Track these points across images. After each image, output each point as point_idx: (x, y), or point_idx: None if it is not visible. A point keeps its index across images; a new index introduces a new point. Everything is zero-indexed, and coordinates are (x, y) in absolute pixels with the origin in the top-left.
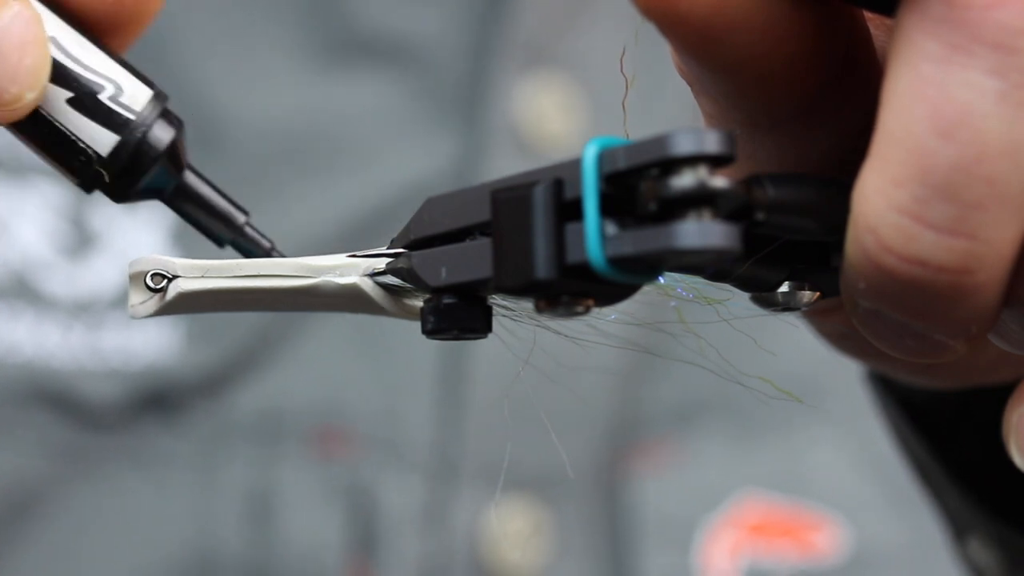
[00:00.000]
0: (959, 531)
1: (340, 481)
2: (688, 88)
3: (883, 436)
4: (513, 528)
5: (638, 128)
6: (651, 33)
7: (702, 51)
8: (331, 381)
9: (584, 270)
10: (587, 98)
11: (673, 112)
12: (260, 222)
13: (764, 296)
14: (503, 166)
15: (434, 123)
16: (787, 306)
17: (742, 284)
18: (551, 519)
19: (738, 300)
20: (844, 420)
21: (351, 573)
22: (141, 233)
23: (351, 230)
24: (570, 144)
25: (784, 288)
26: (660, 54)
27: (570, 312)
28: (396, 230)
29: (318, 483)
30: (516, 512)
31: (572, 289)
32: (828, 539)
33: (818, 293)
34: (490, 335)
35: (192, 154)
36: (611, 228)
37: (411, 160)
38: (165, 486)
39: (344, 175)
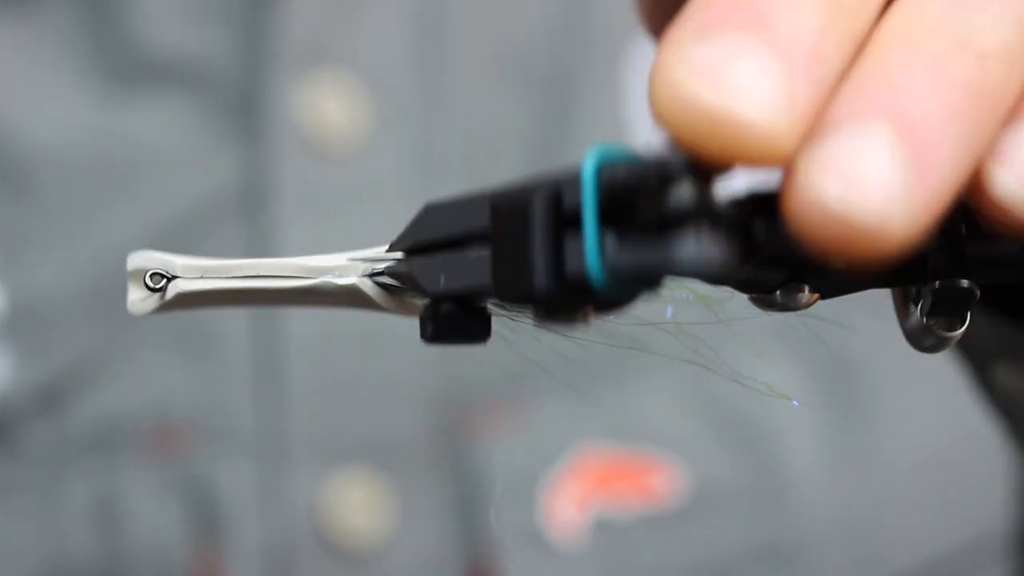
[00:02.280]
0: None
1: (178, 477)
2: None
3: (715, 378)
4: (354, 498)
5: (429, 118)
6: (430, 22)
7: None
8: (158, 383)
9: (583, 281)
10: (371, 93)
11: (459, 106)
12: (62, 255)
13: (763, 297)
14: (293, 171)
15: (222, 138)
16: (786, 307)
17: (741, 286)
18: (392, 487)
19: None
20: (675, 365)
21: (198, 564)
22: None
23: (171, 235)
24: (359, 142)
25: (783, 289)
26: (441, 42)
27: (569, 321)
28: (195, 245)
29: (157, 483)
30: (355, 482)
31: (571, 299)
32: (668, 482)
33: (817, 295)
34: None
35: None
36: (610, 241)
37: (202, 177)
38: (9, 512)
39: (139, 200)
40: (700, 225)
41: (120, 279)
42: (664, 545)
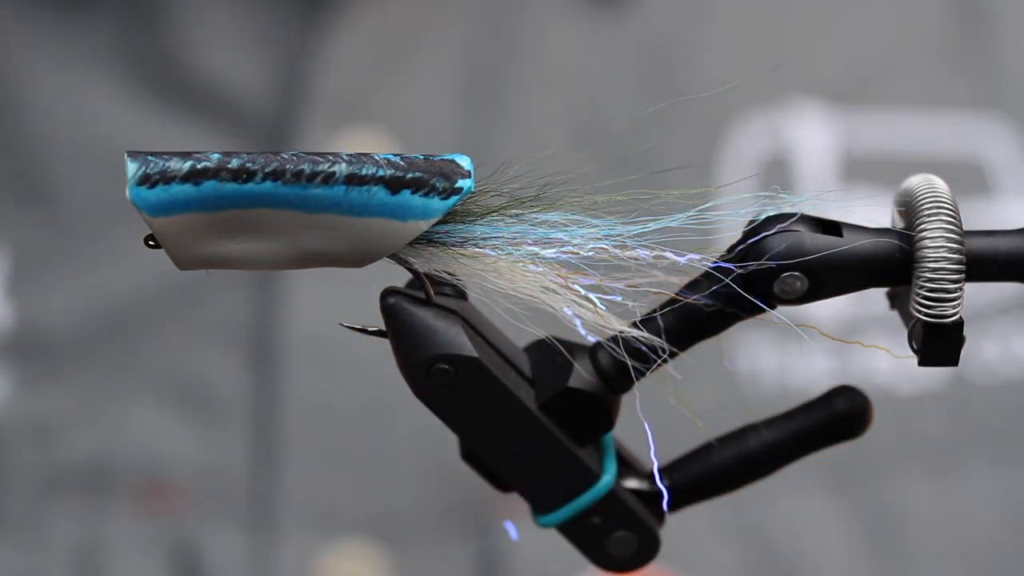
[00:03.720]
0: None
1: (165, 535)
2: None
3: (755, 504)
4: (348, 573)
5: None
6: (473, 83)
7: None
8: (154, 436)
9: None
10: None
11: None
12: (78, 282)
13: None
14: None
15: None
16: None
17: None
18: (393, 563)
19: None
20: None
21: None
22: None
23: (185, 283)
24: None
25: None
26: (485, 106)
27: None
28: (211, 293)
29: (144, 538)
30: (352, 556)
31: None
32: None
33: None
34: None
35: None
36: None
37: None
38: None
39: None
40: None
41: (136, 322)
42: None
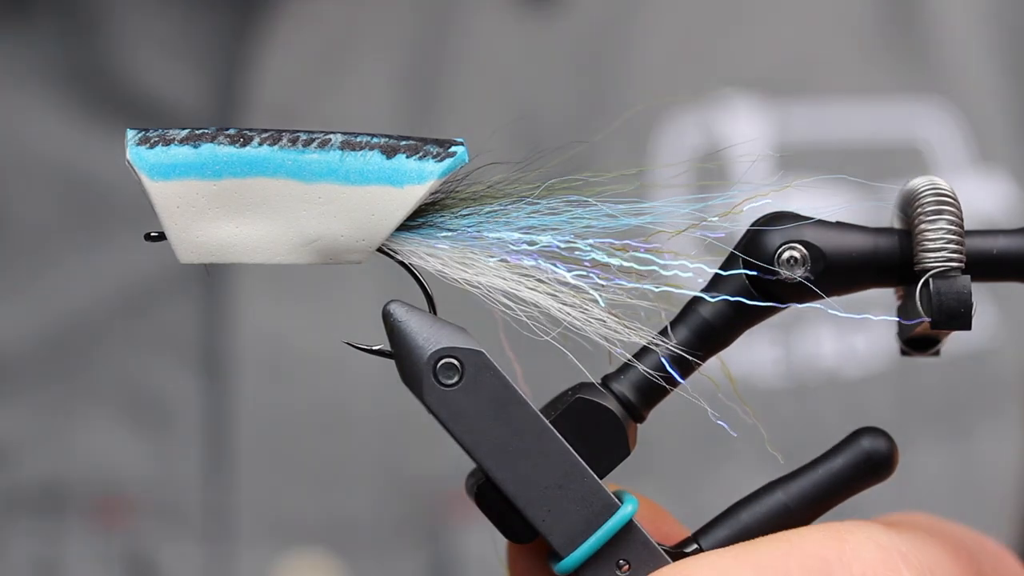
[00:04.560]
0: None
1: (122, 550)
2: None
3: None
4: None
5: None
6: (409, 86)
7: None
8: (108, 452)
9: None
10: None
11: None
12: (25, 301)
13: None
14: None
15: None
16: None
17: None
18: (348, 571)
19: None
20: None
21: None
22: None
23: (132, 297)
24: None
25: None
26: (423, 108)
27: None
28: (155, 313)
29: (101, 553)
30: (308, 566)
31: None
32: None
33: None
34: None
35: None
36: None
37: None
38: None
39: (107, 253)
40: None
41: (86, 338)
42: None
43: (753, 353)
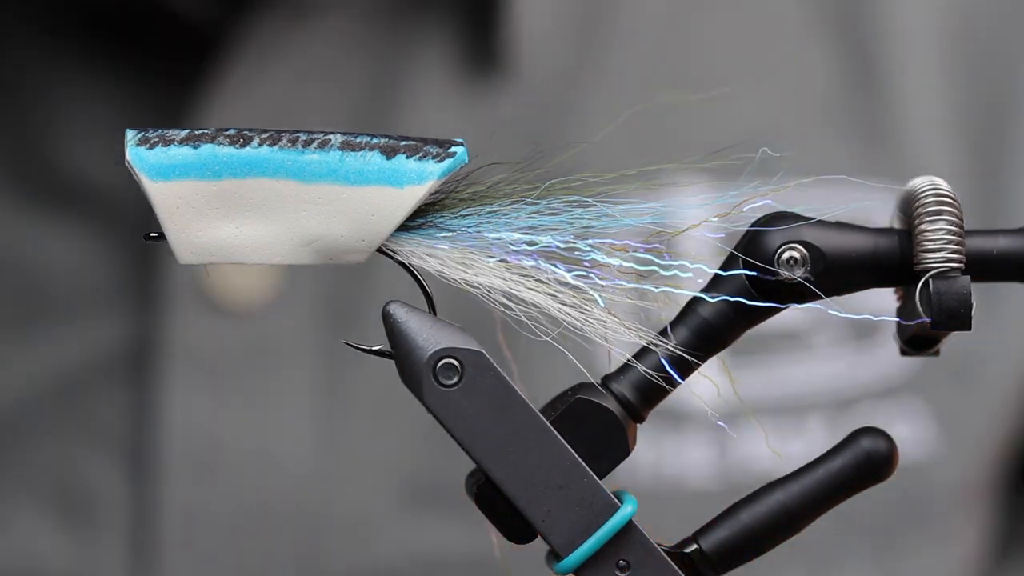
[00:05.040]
0: None
1: None
2: None
3: None
4: None
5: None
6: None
7: None
8: (31, 542)
9: None
10: None
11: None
12: None
13: None
14: (188, 327)
15: (121, 284)
16: None
17: None
18: None
19: None
20: None
21: None
22: None
23: (61, 388)
24: (263, 297)
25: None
26: None
27: None
28: (86, 405)
29: None
30: None
31: None
32: None
33: None
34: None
35: None
36: None
37: (99, 326)
38: None
39: (39, 341)
40: None
41: (13, 427)
42: None
43: (687, 454)
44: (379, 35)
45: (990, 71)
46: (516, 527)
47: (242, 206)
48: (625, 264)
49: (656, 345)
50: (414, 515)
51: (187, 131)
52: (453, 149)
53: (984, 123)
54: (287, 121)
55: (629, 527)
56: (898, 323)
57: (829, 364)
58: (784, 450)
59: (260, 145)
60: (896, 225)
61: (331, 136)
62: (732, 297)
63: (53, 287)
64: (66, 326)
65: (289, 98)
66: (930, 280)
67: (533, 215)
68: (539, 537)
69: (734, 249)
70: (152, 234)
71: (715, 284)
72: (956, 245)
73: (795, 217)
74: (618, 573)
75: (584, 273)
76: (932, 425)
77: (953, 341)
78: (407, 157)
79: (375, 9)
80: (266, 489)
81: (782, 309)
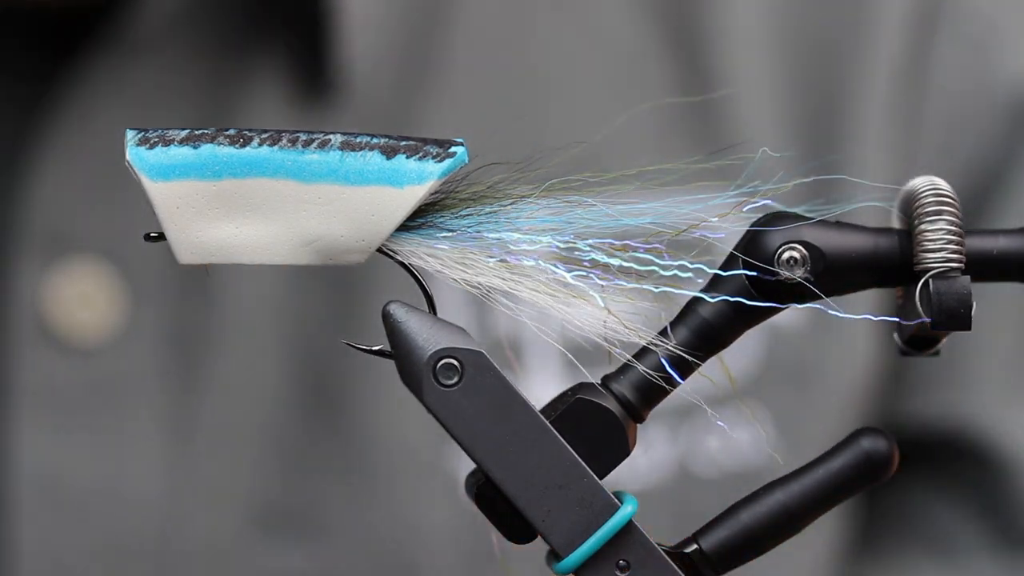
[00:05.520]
0: None
1: None
2: None
3: None
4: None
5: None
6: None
7: None
8: None
9: None
10: (126, 282)
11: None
12: None
13: None
14: (33, 365)
15: None
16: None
17: None
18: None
19: None
20: None
21: None
22: None
23: None
24: (109, 333)
25: None
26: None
27: None
28: None
29: None
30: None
31: None
32: None
33: None
34: None
35: None
36: None
37: None
38: None
39: None
40: None
41: None
42: None
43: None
44: (212, 67)
45: (820, 72)
46: (516, 527)
47: (242, 206)
48: (625, 264)
49: (656, 345)
50: (269, 542)
51: (187, 131)
52: (453, 149)
53: (816, 124)
54: (115, 170)
55: (629, 527)
56: (898, 323)
57: None
58: (626, 463)
59: (260, 145)
60: (896, 225)
61: (331, 136)
62: (732, 297)
63: None
64: None
65: (116, 148)
66: (930, 280)
67: (533, 215)
68: (539, 537)
69: (734, 249)
70: (152, 234)
71: (715, 284)
72: (956, 245)
73: (795, 217)
74: (618, 573)
75: (584, 273)
76: (771, 430)
77: (793, 347)
78: (407, 157)
79: (205, 43)
80: (118, 525)
81: (782, 309)
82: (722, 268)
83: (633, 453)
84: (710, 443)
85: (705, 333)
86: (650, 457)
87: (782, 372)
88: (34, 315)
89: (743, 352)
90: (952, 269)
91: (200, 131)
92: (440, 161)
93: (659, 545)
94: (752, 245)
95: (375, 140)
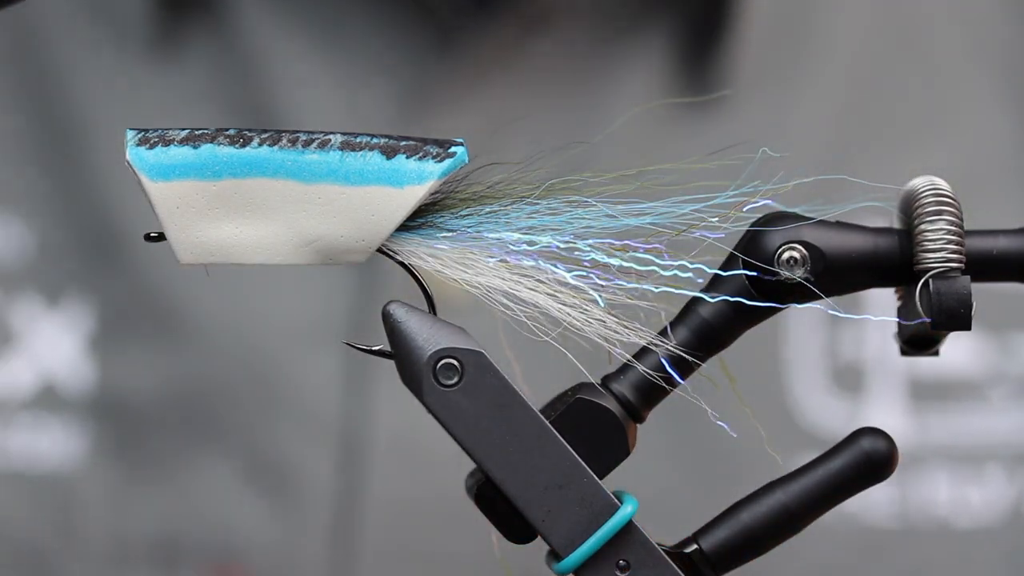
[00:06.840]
0: None
1: None
2: None
3: None
4: None
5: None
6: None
7: None
8: (227, 513)
9: None
10: None
11: None
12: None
13: None
14: None
15: None
16: None
17: None
18: None
19: None
20: None
21: None
22: (60, 336)
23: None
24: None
25: None
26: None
27: None
28: None
29: None
30: None
31: None
32: None
33: None
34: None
35: None
36: None
37: None
38: None
39: None
40: None
41: (218, 394)
42: None
43: (869, 490)
44: (600, 42)
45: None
46: (516, 527)
47: (242, 206)
48: (625, 264)
49: (656, 345)
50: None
51: (187, 131)
52: (453, 149)
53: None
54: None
55: (629, 527)
56: (898, 323)
57: (1006, 417)
58: (962, 496)
59: (260, 145)
60: (896, 225)
61: (331, 136)
62: (732, 297)
63: None
64: None
65: (505, 109)
66: (930, 280)
67: (533, 215)
68: (539, 537)
69: (734, 249)
70: (152, 234)
71: (715, 284)
72: (956, 245)
73: (795, 217)
74: (618, 573)
75: (584, 273)
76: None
77: None
78: (407, 157)
79: (595, 22)
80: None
81: (782, 309)
82: (722, 268)
83: (969, 492)
84: None
85: (705, 333)
86: (985, 495)
87: None
88: None
89: None
90: (952, 269)
91: (200, 131)
92: (440, 161)
93: (659, 545)
94: (752, 245)
95: (375, 140)
